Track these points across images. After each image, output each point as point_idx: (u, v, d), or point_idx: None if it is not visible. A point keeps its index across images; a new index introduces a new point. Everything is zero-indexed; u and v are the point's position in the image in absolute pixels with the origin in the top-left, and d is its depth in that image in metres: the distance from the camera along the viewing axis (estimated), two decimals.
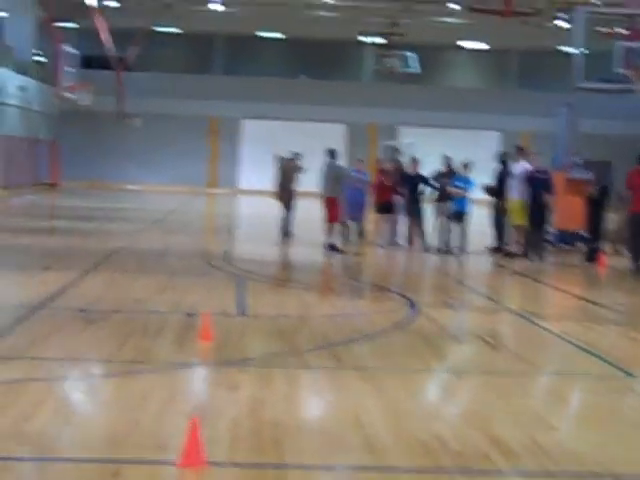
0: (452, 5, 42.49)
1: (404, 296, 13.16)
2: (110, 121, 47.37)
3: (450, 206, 19.94)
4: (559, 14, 41.84)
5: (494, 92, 53.51)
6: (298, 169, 21.99)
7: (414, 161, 21.03)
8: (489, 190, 20.27)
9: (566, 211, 21.76)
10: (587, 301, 13.95)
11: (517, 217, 19.26)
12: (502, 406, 7.43)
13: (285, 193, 21.59)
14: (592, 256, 19.02)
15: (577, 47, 17.56)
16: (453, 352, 9.73)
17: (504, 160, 20.46)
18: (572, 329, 11.09)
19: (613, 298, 14.59)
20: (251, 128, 49.81)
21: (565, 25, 44.48)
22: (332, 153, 19.87)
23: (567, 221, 21.97)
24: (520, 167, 19.24)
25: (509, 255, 19.04)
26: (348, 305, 12.66)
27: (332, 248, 19.07)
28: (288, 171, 21.79)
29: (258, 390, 7.56)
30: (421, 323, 11.24)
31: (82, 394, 7.58)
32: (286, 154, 22.62)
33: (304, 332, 10.35)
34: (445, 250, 19.57)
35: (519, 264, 18.07)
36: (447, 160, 20.77)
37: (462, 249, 19.51)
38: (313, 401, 7.60)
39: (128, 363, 8.40)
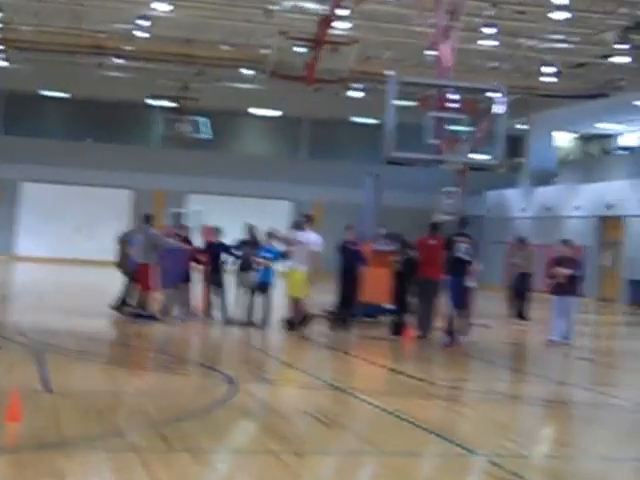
0: (246, 71, 42.81)
1: (218, 371, 12.83)
2: None
3: (254, 276, 19.68)
4: (353, 84, 42.94)
5: (286, 160, 54.11)
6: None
7: (215, 230, 20.63)
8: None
9: (371, 283, 21.98)
10: (407, 375, 13.98)
11: (298, 289, 18.93)
12: None
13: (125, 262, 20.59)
14: (398, 329, 19.22)
15: (388, 117, 17.84)
16: (287, 431, 9.43)
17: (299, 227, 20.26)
18: (401, 405, 11.04)
19: (430, 372, 14.74)
20: (31, 191, 48.35)
21: (358, 95, 45.75)
22: (147, 218, 19.38)
23: (371, 293, 22.16)
24: (308, 236, 18.95)
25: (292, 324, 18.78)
26: (162, 381, 12.19)
27: (139, 316, 18.50)
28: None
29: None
30: (243, 399, 10.96)
31: None
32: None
33: (122, 410, 9.86)
34: (247, 322, 19.24)
35: (327, 337, 17.95)
36: (251, 229, 20.52)
37: (265, 321, 19.21)
38: None
39: None
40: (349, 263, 19.14)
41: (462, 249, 18.27)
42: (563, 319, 18.82)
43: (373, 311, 22.49)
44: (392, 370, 14.61)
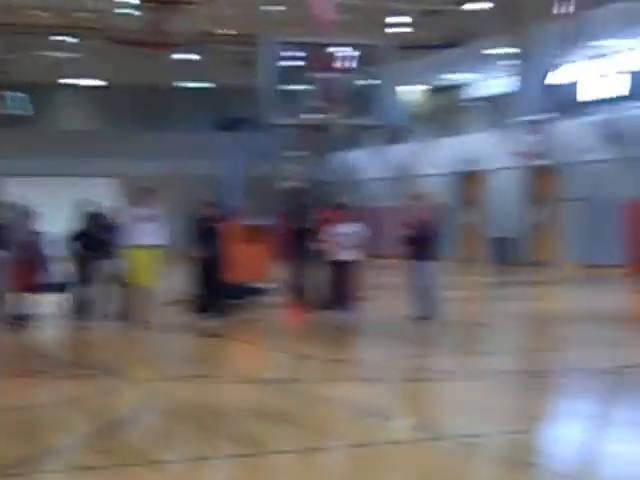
0: (66, 38, 41.65)
1: (121, 372, 12.56)
2: None
3: (110, 265, 19.09)
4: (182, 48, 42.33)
5: (113, 134, 53.14)
6: None
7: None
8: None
9: (242, 261, 21.80)
10: (326, 360, 14.00)
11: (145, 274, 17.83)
12: None
13: None
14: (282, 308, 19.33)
15: (265, 81, 17.66)
16: (235, 431, 9.26)
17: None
18: (341, 392, 11.06)
19: (347, 353, 14.80)
20: None
21: (186, 57, 45.21)
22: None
23: (242, 273, 21.99)
24: (140, 212, 17.92)
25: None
26: (71, 389, 11.81)
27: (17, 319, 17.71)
28: None
29: None
30: (166, 401, 10.79)
31: None
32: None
33: (48, 426, 9.51)
34: (106, 316, 18.80)
35: (207, 325, 17.64)
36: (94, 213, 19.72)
37: (127, 314, 18.68)
38: None
39: None
40: (206, 241, 18.34)
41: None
42: (419, 288, 17.76)
43: (244, 292, 22.37)
44: (308, 356, 14.58)
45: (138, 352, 15.60)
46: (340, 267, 18.05)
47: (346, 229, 18.07)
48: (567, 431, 9.21)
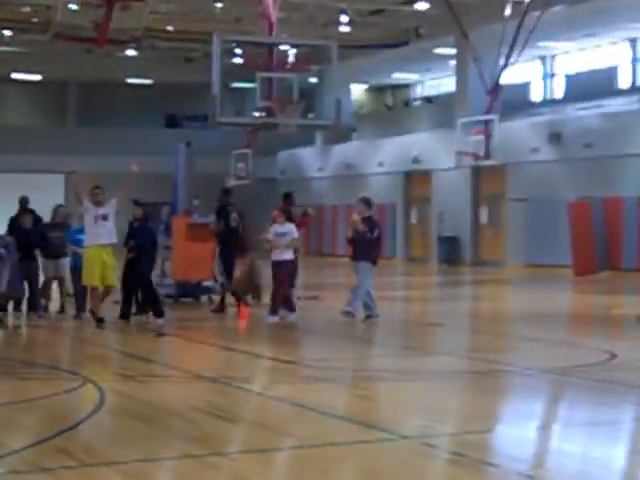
0: (6, 32, 41.40)
1: (70, 372, 12.52)
2: None
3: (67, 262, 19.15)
4: (131, 43, 42.24)
5: (55, 129, 52.82)
6: None
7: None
8: None
9: (186, 259, 21.81)
10: (270, 358, 14.05)
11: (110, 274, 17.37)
12: None
13: None
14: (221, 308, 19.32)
15: (216, 78, 17.67)
16: (194, 432, 9.28)
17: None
18: (291, 392, 11.10)
19: (292, 353, 14.83)
20: None
21: (131, 54, 45.08)
22: None
23: (187, 271, 22.00)
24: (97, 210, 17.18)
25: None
26: (19, 389, 11.74)
27: None
28: None
29: None
30: (120, 401, 10.74)
31: None
32: None
33: (1, 427, 9.45)
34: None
35: (158, 323, 17.58)
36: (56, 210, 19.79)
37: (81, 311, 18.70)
38: None
39: None
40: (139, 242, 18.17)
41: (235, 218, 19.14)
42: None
43: (191, 290, 22.38)
44: (251, 353, 14.61)
45: (88, 350, 15.50)
46: (276, 267, 18.00)
47: (281, 229, 18.02)
48: (521, 431, 9.32)
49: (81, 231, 18.12)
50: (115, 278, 17.45)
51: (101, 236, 17.09)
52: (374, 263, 18.17)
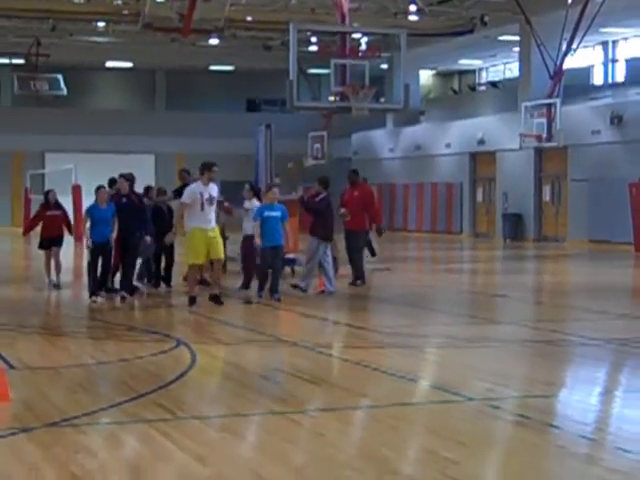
0: (100, 24, 41.87)
1: (166, 334, 12.78)
2: None
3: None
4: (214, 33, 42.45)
5: (144, 113, 53.42)
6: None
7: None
8: None
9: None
10: (351, 326, 14.23)
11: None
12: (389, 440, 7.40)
13: None
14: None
15: (292, 65, 17.81)
16: (278, 391, 9.51)
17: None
18: (367, 356, 11.23)
19: (366, 320, 15.00)
20: None
21: (214, 42, 45.31)
22: None
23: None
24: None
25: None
26: (118, 349, 12.05)
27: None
28: None
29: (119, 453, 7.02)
30: (211, 362, 11.03)
31: None
32: None
33: (104, 383, 9.76)
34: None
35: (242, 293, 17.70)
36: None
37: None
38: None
39: None
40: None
41: None
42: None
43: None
44: (328, 320, 14.81)
45: (180, 316, 15.69)
46: (245, 242, 17.85)
47: (249, 205, 17.58)
48: (583, 396, 9.38)
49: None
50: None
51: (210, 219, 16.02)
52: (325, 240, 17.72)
